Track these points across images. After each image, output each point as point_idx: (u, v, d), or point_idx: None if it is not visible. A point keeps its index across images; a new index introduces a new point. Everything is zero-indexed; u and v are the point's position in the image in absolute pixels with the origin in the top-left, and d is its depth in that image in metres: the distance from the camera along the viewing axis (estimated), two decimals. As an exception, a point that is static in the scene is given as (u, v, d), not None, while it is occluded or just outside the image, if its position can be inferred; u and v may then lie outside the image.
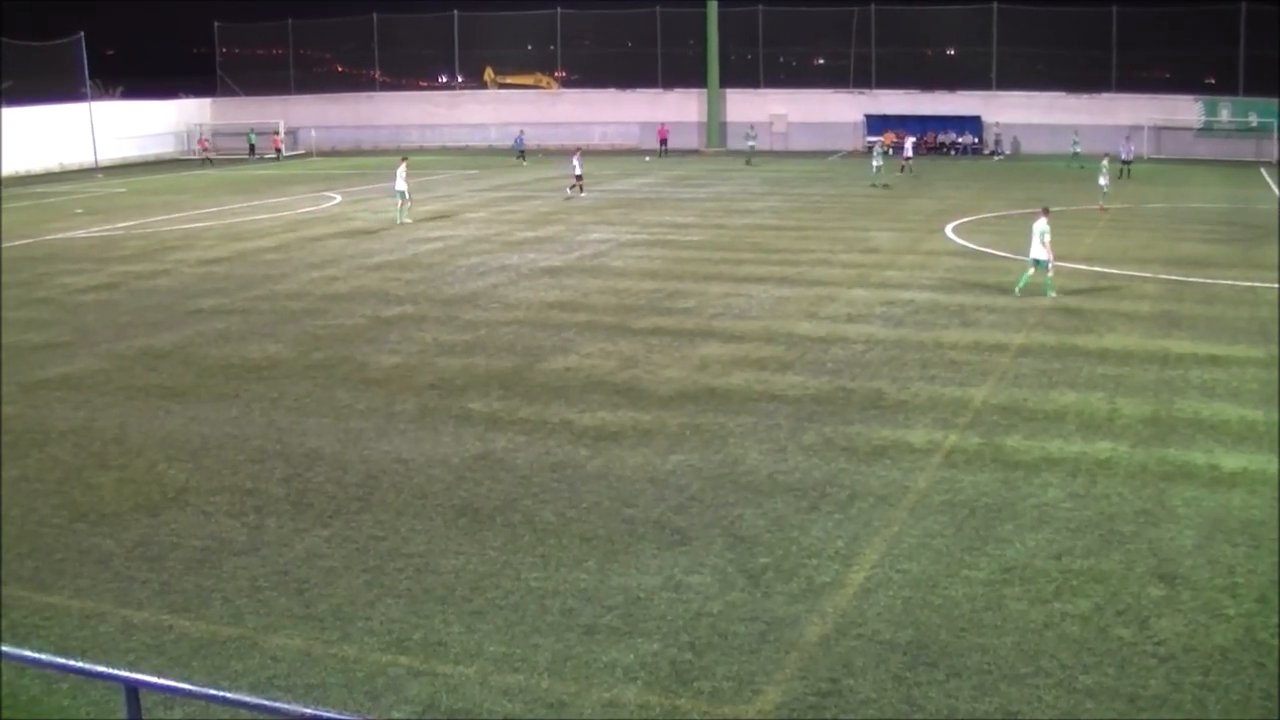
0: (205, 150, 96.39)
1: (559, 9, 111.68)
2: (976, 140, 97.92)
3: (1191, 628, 14.37)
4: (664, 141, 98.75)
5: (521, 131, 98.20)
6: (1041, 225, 34.17)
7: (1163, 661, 13.58)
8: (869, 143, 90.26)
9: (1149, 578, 15.74)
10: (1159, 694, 12.93)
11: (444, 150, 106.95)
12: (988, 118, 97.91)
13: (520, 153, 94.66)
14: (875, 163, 71.75)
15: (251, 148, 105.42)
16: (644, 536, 17.36)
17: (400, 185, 54.59)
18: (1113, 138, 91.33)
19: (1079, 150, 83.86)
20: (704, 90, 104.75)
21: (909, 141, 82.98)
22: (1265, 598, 15.14)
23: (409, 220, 54.45)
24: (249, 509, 18.69)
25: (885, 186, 68.58)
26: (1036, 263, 34.47)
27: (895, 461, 20.54)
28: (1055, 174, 76.68)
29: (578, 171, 64.96)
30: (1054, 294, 34.40)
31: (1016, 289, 34.93)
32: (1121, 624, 14.46)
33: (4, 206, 64.88)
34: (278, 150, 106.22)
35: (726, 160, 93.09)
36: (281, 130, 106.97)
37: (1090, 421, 22.67)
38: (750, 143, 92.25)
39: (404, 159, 57.74)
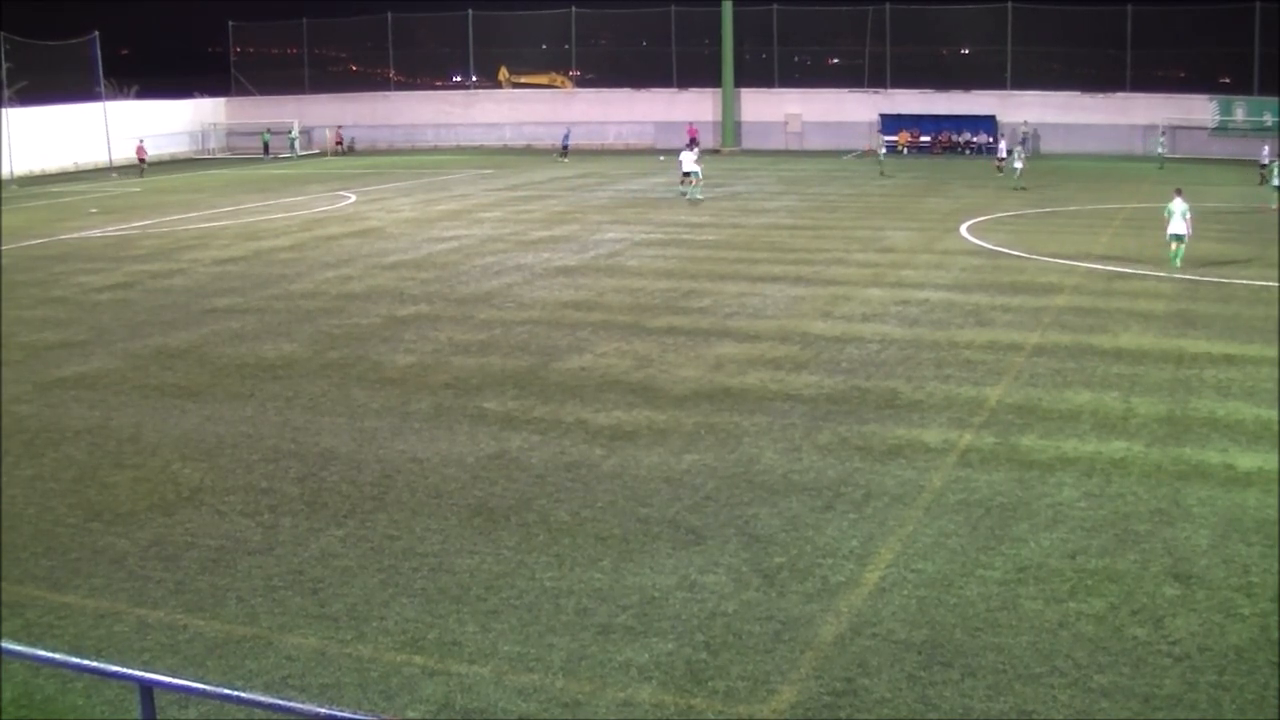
0: (142, 160, 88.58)
1: (573, 8, 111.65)
2: (991, 139, 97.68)
3: (1206, 627, 14.35)
4: (694, 140, 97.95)
5: (568, 130, 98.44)
6: (1181, 205, 39.03)
7: (1178, 661, 13.57)
8: (1011, 140, 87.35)
9: (1164, 577, 15.73)
10: (1174, 693, 12.92)
11: (459, 149, 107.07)
12: (1003, 117, 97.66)
13: (564, 149, 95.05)
14: (1016, 164, 68.93)
15: (266, 147, 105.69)
16: (659, 536, 17.36)
17: (689, 166, 63.41)
18: (1128, 137, 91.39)
19: (1163, 151, 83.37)
20: (719, 90, 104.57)
21: (1018, 147, 79.24)
22: (1281, 597, 15.13)
23: (701, 197, 62.32)
24: (264, 508, 18.72)
25: (1023, 189, 66.21)
26: (1176, 238, 39.18)
27: (910, 461, 20.53)
28: (1071, 173, 76.42)
29: (686, 169, 65.49)
30: (1179, 264, 39.00)
31: (1175, 263, 39.17)
32: (1136, 623, 14.45)
33: (20, 206, 65.12)
34: (339, 144, 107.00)
35: (742, 159, 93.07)
36: (296, 129, 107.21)
37: (1105, 421, 22.65)
38: (882, 150, 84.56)
39: (694, 145, 69.29)
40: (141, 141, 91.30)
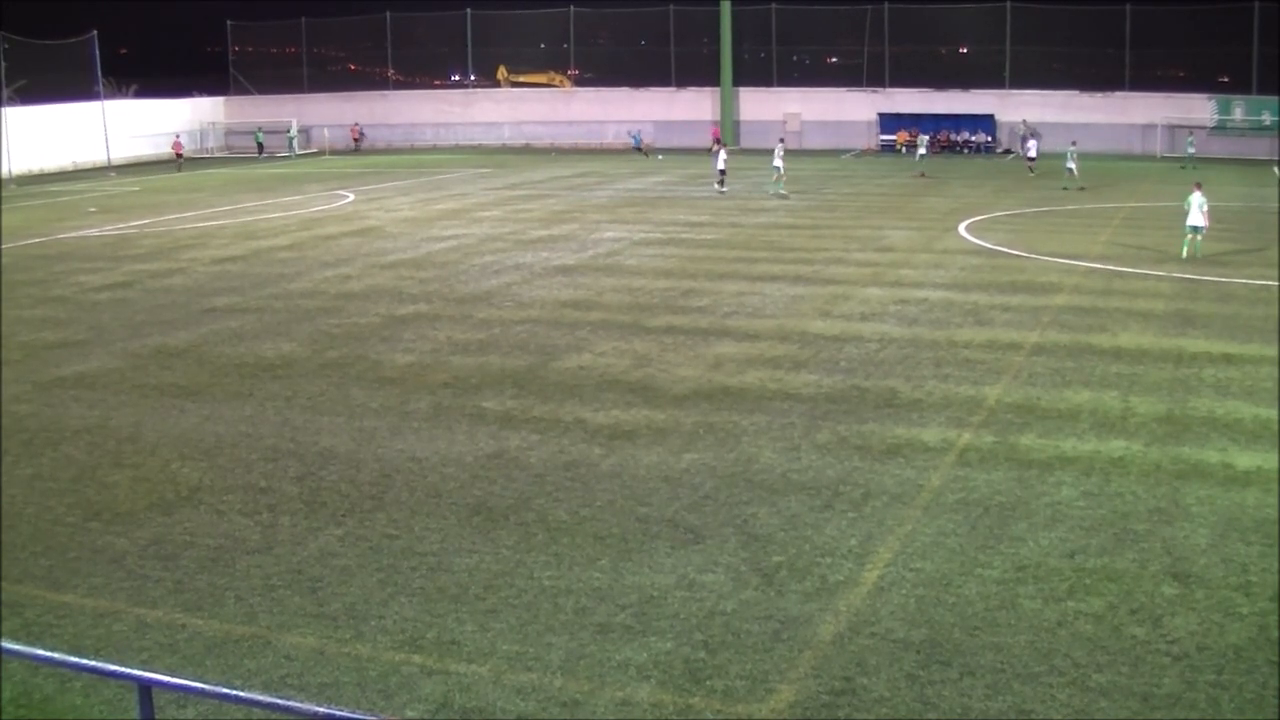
0: (179, 154, 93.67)
1: (572, 7, 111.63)
2: (990, 139, 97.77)
3: (1205, 626, 14.35)
4: (718, 139, 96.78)
5: (639, 131, 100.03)
6: (1199, 198, 41.10)
7: (1176, 660, 13.57)
8: (1027, 137, 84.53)
9: (1163, 576, 15.73)
10: (1172, 692, 12.92)
11: (457, 149, 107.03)
12: (1001, 116, 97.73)
13: (637, 147, 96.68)
14: (1069, 165, 67.59)
15: (260, 146, 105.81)
16: (658, 535, 17.36)
17: (776, 161, 65.40)
18: (1127, 136, 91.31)
19: (1193, 152, 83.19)
20: (717, 89, 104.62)
21: (1070, 147, 71.43)
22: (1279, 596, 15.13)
23: (784, 192, 63.89)
24: (262, 508, 18.73)
25: (1081, 189, 65.47)
26: (1194, 229, 41.21)
27: (909, 460, 20.53)
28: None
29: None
30: (1197, 253, 40.95)
31: (1184, 255, 41.17)
32: (1135, 622, 14.45)
33: (18, 206, 65.09)
34: (356, 141, 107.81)
35: (741, 159, 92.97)
36: (294, 128, 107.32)
37: (1104, 420, 22.65)
38: (921, 150, 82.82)
39: (780, 139, 73.49)
40: (179, 136, 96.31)
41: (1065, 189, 65.79)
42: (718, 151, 70.14)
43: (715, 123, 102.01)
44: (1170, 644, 13.94)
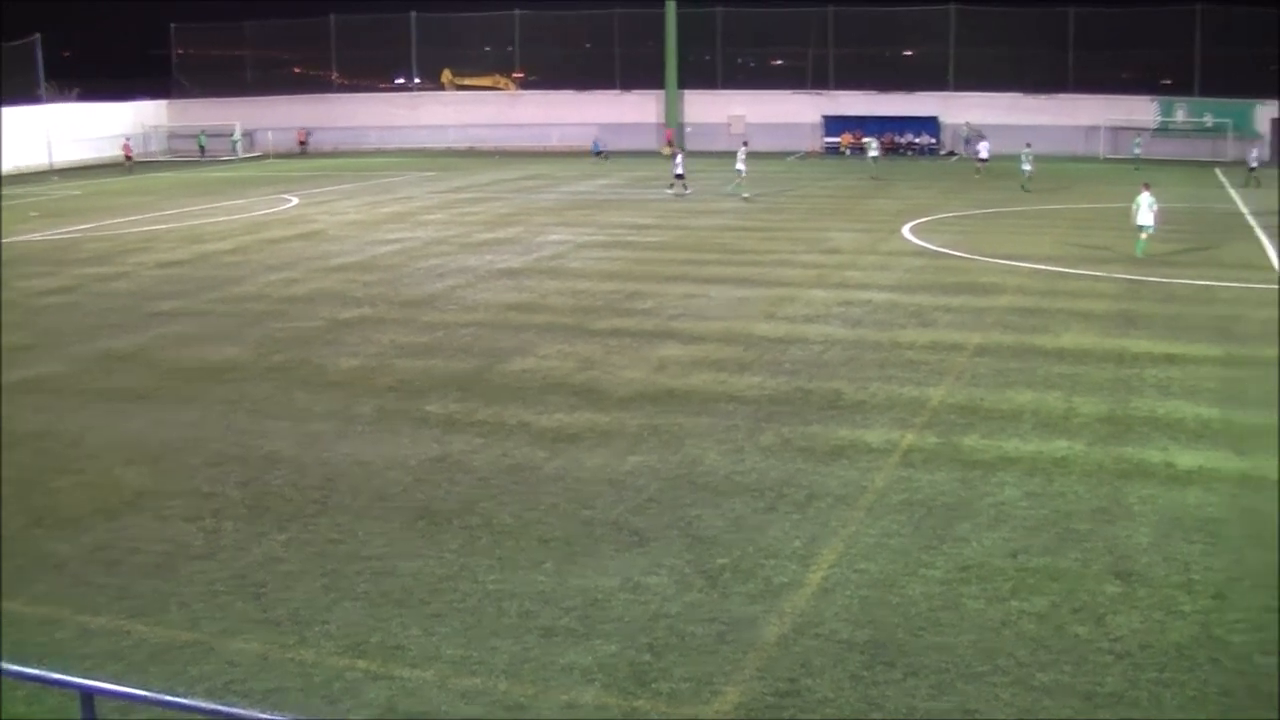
0: (129, 157, 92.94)
1: (517, 10, 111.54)
2: (934, 141, 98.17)
3: (1148, 625, 14.46)
4: (671, 144, 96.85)
5: (601, 141, 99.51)
6: (1148, 198, 41.95)
7: (1119, 658, 13.67)
8: (972, 139, 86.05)
9: (1105, 575, 15.84)
10: (1115, 691, 13.01)
11: (402, 152, 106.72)
12: (945, 119, 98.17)
13: (597, 153, 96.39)
14: (1025, 167, 67.65)
15: (202, 149, 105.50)
16: (602, 538, 17.37)
17: (739, 165, 67.24)
18: (1070, 138, 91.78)
19: (1139, 152, 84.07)
20: (662, 91, 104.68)
21: (1025, 149, 69.88)
22: (1221, 594, 15.25)
23: (747, 195, 64.56)
24: (207, 513, 18.63)
25: (1026, 191, 65.58)
26: (1141, 227, 41.92)
27: (853, 461, 20.60)
28: (1018, 175, 76.59)
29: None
30: (1142, 254, 41.40)
31: (1138, 253, 41.56)
32: (1078, 621, 14.55)
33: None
34: (302, 144, 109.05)
35: (688, 161, 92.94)
36: (239, 131, 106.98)
37: (1047, 420, 22.79)
38: (874, 152, 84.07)
39: (744, 143, 74.13)
40: (128, 140, 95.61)
41: (1025, 189, 66.37)
42: (674, 155, 70.37)
43: (664, 125, 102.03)
44: (1113, 642, 14.04)
